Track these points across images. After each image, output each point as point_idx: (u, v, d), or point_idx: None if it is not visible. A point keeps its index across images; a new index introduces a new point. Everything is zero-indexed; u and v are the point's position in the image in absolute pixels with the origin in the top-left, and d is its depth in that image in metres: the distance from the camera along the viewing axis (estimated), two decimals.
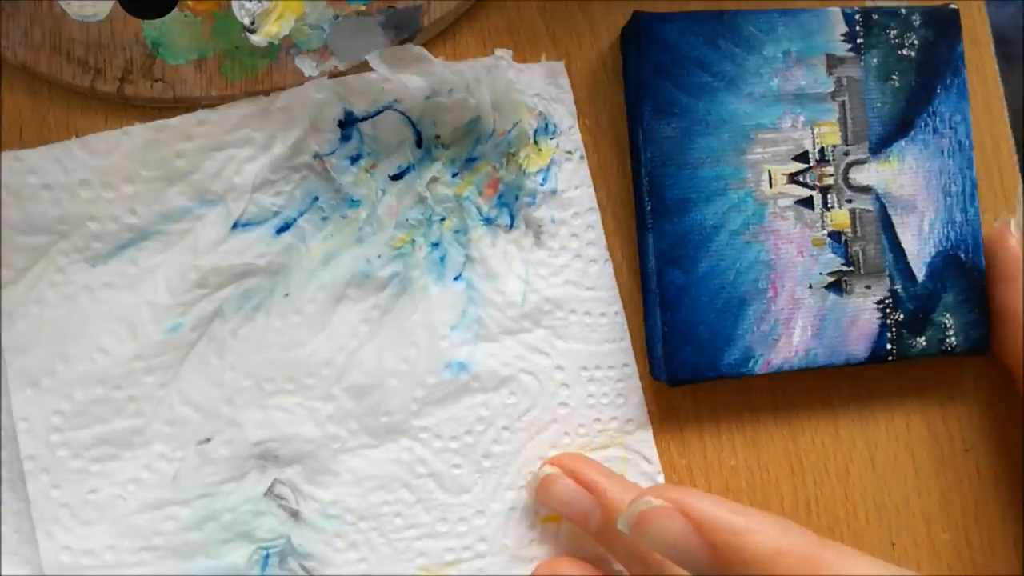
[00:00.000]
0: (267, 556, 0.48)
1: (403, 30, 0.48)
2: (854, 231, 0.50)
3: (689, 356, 0.48)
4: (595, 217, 0.50)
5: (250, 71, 0.48)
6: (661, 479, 0.51)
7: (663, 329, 0.48)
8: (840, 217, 0.49)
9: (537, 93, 0.49)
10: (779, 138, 0.49)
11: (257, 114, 0.48)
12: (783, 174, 0.49)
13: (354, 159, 0.48)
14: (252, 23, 0.48)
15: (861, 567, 0.39)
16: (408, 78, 0.47)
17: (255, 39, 0.48)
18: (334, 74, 0.48)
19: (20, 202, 0.47)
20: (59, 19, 0.47)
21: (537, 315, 0.49)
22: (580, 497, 0.46)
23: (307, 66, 0.48)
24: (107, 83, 0.47)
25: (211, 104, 0.48)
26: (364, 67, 0.48)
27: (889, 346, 0.50)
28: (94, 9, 0.47)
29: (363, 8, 0.48)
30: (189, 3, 0.47)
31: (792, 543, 0.39)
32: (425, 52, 0.48)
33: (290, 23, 0.48)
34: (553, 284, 0.49)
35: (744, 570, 0.39)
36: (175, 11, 0.47)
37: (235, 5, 0.48)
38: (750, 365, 0.49)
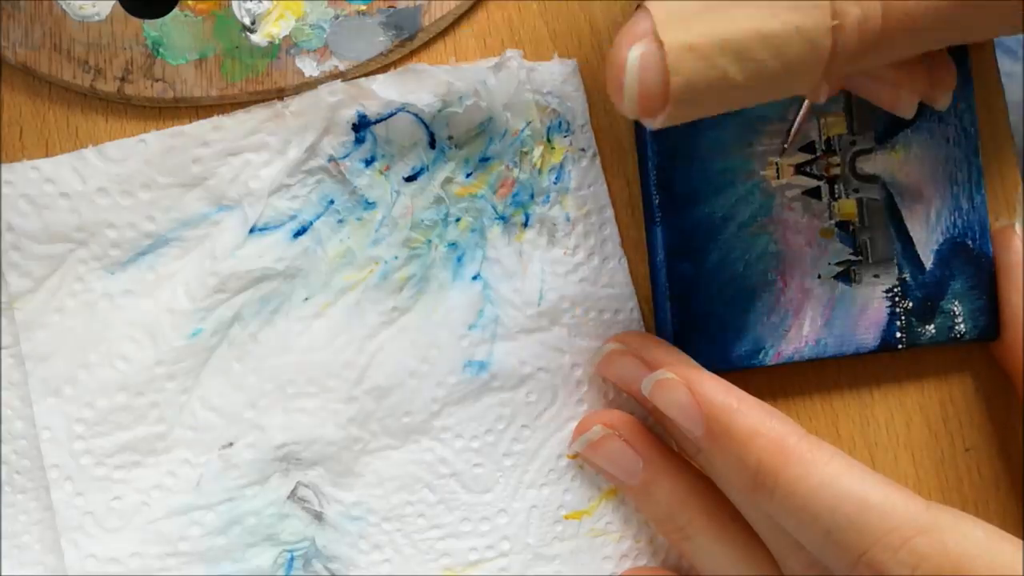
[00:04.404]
0: (292, 559, 0.50)
1: (403, 30, 0.51)
2: (862, 221, 0.52)
3: (700, 349, 0.50)
4: (609, 214, 0.52)
5: (250, 71, 0.50)
6: None
7: (673, 323, 0.51)
8: (847, 207, 0.52)
9: (549, 91, 0.51)
10: (785, 129, 0.51)
11: (271, 118, 0.50)
12: (790, 165, 0.51)
13: (368, 161, 0.50)
14: (252, 23, 0.50)
15: (831, 464, 0.43)
16: (417, 96, 0.50)
17: (255, 39, 0.50)
18: (346, 77, 0.50)
19: (38, 211, 0.49)
20: (59, 19, 0.49)
21: (554, 313, 0.51)
22: (641, 375, 0.49)
23: (307, 66, 0.50)
24: (107, 83, 0.50)
25: (212, 104, 0.50)
26: (366, 67, 0.51)
27: (899, 334, 0.52)
28: (94, 9, 0.49)
29: (363, 8, 0.50)
30: (189, 3, 0.50)
31: (771, 428, 0.45)
32: (428, 68, 0.50)
33: (290, 23, 0.50)
34: (569, 282, 0.51)
35: (726, 443, 0.45)
36: (175, 11, 0.49)
37: (235, 5, 0.50)
38: (761, 356, 0.51)
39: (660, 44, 0.40)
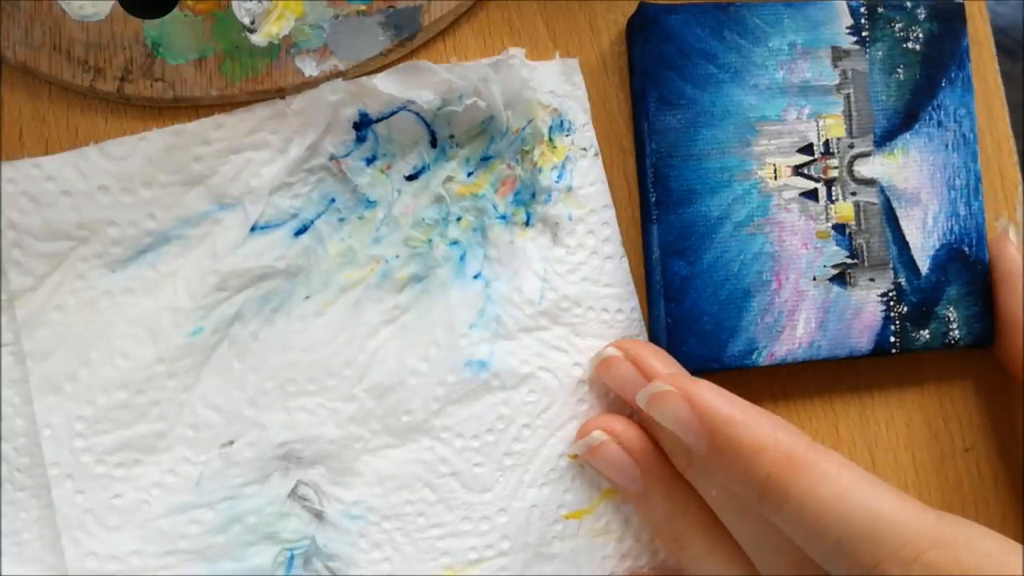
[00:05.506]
0: (292, 557, 0.50)
1: (403, 30, 0.51)
2: (858, 224, 0.52)
3: (693, 348, 0.51)
4: (610, 213, 0.52)
5: (250, 71, 0.50)
6: None
7: (667, 321, 0.51)
8: (844, 210, 0.52)
9: (551, 90, 0.51)
10: (784, 130, 0.52)
11: (273, 117, 0.50)
12: (788, 166, 0.52)
13: (369, 160, 0.51)
14: (252, 23, 0.50)
15: (841, 476, 0.43)
16: (418, 93, 0.50)
17: (255, 39, 0.50)
18: (345, 76, 0.50)
19: (39, 208, 0.49)
20: (59, 19, 0.49)
21: (555, 312, 0.52)
22: (637, 383, 0.49)
23: (307, 66, 0.50)
24: (107, 83, 0.50)
25: (211, 104, 0.50)
26: (365, 67, 0.51)
27: (893, 339, 0.52)
28: (94, 9, 0.49)
29: (363, 8, 0.50)
30: (189, 3, 0.50)
31: (778, 440, 0.44)
32: (430, 65, 0.50)
33: (290, 23, 0.50)
34: (570, 281, 0.52)
35: (731, 457, 0.44)
36: (175, 11, 0.50)
37: (235, 5, 0.50)
38: (754, 357, 0.51)
39: None
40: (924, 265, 0.53)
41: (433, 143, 0.51)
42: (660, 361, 0.50)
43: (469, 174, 0.51)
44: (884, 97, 0.53)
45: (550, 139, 0.52)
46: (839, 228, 0.52)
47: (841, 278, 0.52)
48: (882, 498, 0.42)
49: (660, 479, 0.50)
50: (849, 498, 0.42)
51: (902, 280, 0.53)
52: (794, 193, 0.52)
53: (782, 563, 0.46)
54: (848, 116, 0.52)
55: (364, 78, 0.50)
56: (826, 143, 0.52)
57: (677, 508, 0.50)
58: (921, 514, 0.42)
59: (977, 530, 0.42)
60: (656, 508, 0.50)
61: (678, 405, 0.46)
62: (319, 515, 0.51)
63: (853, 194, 0.52)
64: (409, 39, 0.51)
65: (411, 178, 0.51)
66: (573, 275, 0.52)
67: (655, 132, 0.51)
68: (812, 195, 0.52)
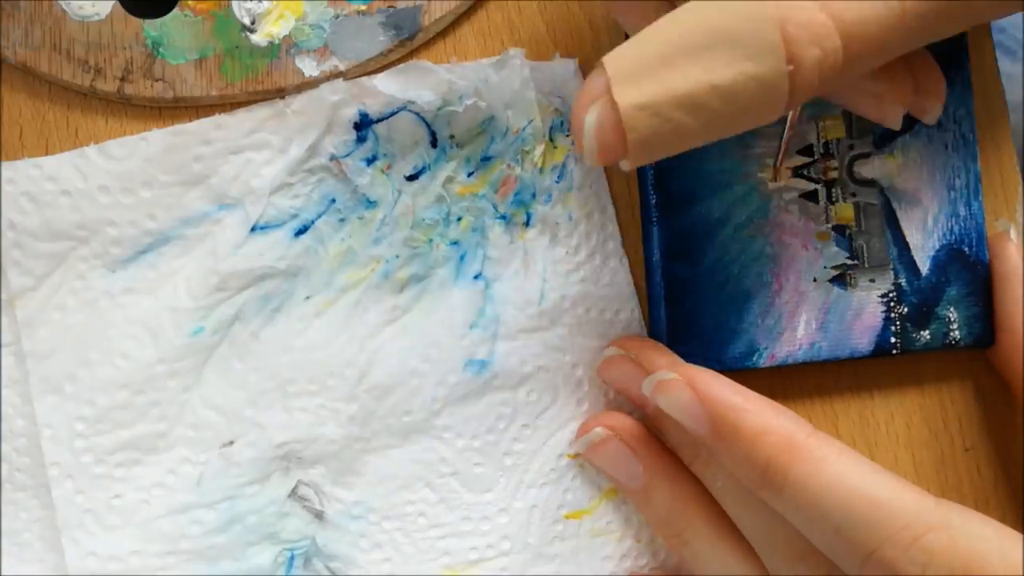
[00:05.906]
0: (292, 557, 0.50)
1: (403, 30, 0.51)
2: (858, 225, 0.52)
3: (694, 349, 0.51)
4: (611, 214, 0.52)
5: (250, 71, 0.50)
6: None
7: (667, 322, 0.51)
8: (844, 211, 0.52)
9: (551, 90, 0.51)
10: (777, 140, 0.51)
11: (273, 117, 0.50)
12: (788, 168, 0.52)
13: (370, 160, 0.50)
14: (252, 23, 0.50)
15: (841, 461, 0.43)
16: (418, 93, 0.50)
17: (255, 39, 0.50)
18: (346, 76, 0.50)
19: (39, 209, 0.49)
20: (59, 19, 0.49)
21: (555, 313, 0.52)
22: (639, 379, 0.49)
23: (307, 66, 0.50)
24: (107, 83, 0.50)
25: (211, 104, 0.50)
26: (365, 67, 0.51)
27: (893, 340, 0.52)
28: (94, 9, 0.49)
29: (363, 8, 0.50)
30: (189, 3, 0.50)
31: (780, 425, 0.44)
32: (430, 65, 0.50)
33: (290, 23, 0.50)
34: (570, 282, 0.52)
35: (735, 442, 0.45)
36: (175, 11, 0.50)
37: (235, 5, 0.50)
38: (754, 358, 0.51)
39: (615, 105, 0.40)
40: (924, 266, 0.53)
41: (433, 143, 0.51)
42: (661, 357, 0.50)
43: (469, 174, 0.51)
44: None
45: (550, 139, 0.52)
46: (839, 229, 0.52)
47: (841, 279, 0.52)
48: (881, 483, 0.43)
49: (662, 474, 0.50)
50: (848, 483, 0.43)
51: (902, 281, 0.52)
52: (794, 194, 0.52)
53: (787, 554, 0.46)
54: (848, 117, 0.52)
55: (364, 78, 0.50)
56: (826, 144, 0.52)
57: (680, 504, 0.50)
58: (920, 499, 0.42)
59: (975, 516, 0.43)
60: (658, 504, 0.50)
61: (682, 392, 0.46)
62: (319, 515, 0.51)
63: (853, 195, 0.52)
64: (409, 39, 0.51)
65: (411, 178, 0.51)
66: (573, 275, 0.52)
67: None
68: (812, 196, 0.52)
